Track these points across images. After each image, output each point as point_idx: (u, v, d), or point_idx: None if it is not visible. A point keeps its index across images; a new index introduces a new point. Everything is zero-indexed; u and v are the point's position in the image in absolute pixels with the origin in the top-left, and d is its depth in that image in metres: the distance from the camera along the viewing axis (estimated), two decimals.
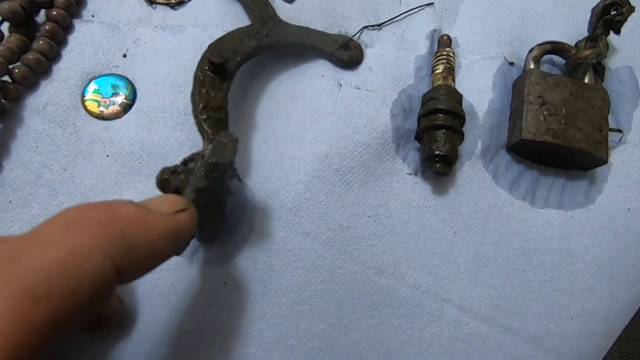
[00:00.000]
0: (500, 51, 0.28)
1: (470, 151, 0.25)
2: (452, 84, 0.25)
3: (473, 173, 0.24)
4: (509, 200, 0.24)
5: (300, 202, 0.22)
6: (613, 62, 0.29)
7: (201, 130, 0.18)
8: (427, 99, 0.24)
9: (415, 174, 0.24)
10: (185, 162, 0.17)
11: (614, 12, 0.26)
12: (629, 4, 0.26)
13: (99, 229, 0.12)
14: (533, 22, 0.30)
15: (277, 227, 0.22)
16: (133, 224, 0.12)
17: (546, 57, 0.27)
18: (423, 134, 0.23)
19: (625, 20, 0.25)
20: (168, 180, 0.16)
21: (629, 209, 0.25)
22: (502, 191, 0.24)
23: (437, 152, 0.22)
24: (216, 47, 0.21)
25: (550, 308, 0.23)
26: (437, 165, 0.22)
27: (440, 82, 0.25)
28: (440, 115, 0.23)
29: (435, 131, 0.23)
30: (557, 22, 0.30)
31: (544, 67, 0.28)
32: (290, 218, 0.22)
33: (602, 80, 0.28)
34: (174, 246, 0.14)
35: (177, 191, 0.17)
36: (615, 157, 0.26)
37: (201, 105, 0.19)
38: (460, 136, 0.23)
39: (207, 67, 0.20)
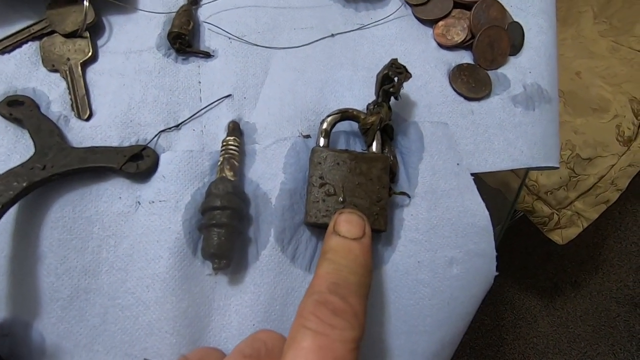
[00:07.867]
0: (296, 129, 0.30)
1: (264, 240, 0.26)
2: (229, 173, 0.25)
3: (270, 261, 0.26)
4: (307, 278, 0.26)
5: (95, 335, 0.23)
6: (405, 117, 0.31)
7: None
8: (205, 195, 0.25)
9: (216, 274, 0.25)
10: None
11: (388, 84, 0.28)
12: (405, 72, 0.28)
13: None
14: (331, 91, 0.32)
15: None
16: None
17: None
18: (201, 232, 0.24)
19: (397, 91, 0.27)
20: None
21: (419, 262, 0.27)
22: (300, 271, 0.26)
23: (210, 251, 0.23)
24: None
25: None
26: (215, 262, 0.23)
27: (217, 175, 0.26)
28: (214, 212, 0.24)
29: (209, 229, 0.24)
30: (355, 87, 0.32)
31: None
32: (84, 354, 0.22)
33: (392, 139, 0.31)
34: None
35: None
36: (407, 212, 0.28)
37: None
38: (235, 228, 0.24)
39: None
